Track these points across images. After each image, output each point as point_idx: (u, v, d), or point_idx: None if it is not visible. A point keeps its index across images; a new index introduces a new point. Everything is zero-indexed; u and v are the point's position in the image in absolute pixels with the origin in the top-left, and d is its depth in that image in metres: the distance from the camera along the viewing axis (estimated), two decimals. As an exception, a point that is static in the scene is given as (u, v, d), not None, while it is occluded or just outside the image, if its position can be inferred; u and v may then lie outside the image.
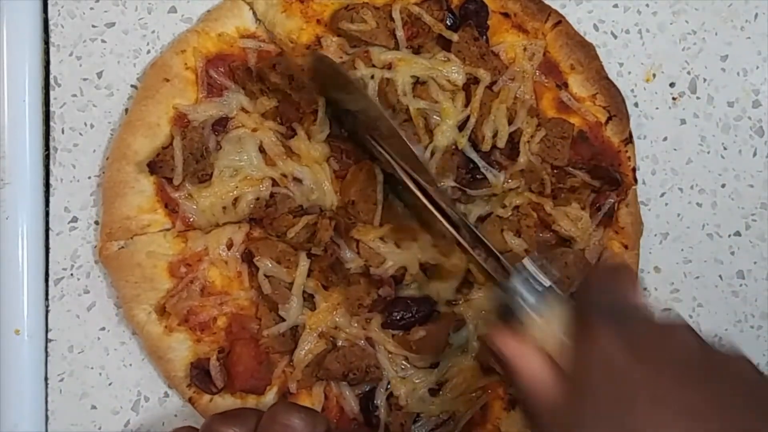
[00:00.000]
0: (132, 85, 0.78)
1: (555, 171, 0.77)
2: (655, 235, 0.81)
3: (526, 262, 0.60)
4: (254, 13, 0.77)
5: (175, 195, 0.73)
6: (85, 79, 0.78)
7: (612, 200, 0.77)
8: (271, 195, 0.73)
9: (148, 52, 0.78)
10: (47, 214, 0.77)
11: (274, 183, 0.73)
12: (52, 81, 0.78)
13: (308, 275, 0.73)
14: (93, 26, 0.78)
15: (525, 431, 0.77)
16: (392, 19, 0.75)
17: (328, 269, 0.73)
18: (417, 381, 0.74)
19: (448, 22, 0.76)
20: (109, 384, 0.76)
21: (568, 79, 0.78)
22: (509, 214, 0.75)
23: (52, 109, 0.78)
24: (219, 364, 0.73)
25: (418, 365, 0.74)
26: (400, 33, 0.75)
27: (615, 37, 0.82)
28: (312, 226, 0.74)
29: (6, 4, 0.76)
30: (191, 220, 0.74)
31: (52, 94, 0.78)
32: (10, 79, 0.76)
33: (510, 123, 0.75)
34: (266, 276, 0.73)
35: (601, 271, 0.61)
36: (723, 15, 0.82)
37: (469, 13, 0.76)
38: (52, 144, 0.77)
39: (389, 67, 0.74)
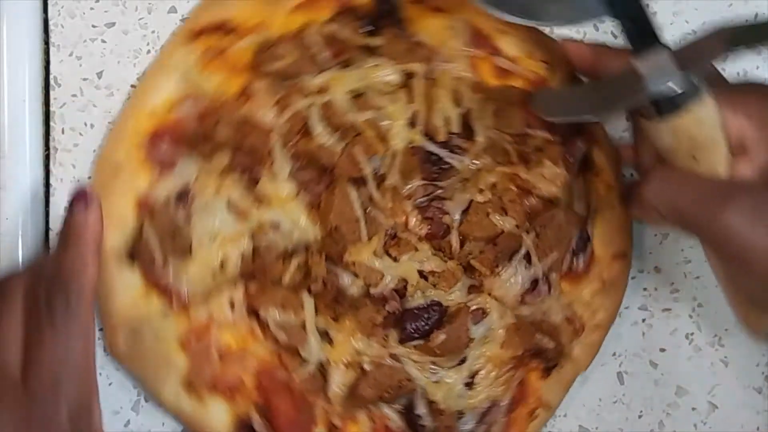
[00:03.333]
0: (132, 85, 0.78)
1: (515, 138, 0.76)
2: (655, 235, 0.81)
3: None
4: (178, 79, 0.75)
5: (162, 275, 0.72)
6: (85, 79, 0.78)
7: (582, 146, 0.76)
8: (254, 248, 0.73)
9: (148, 52, 0.78)
10: (47, 214, 0.77)
11: (254, 235, 0.73)
12: (52, 81, 0.78)
13: (316, 314, 0.73)
14: (93, 26, 0.78)
15: (564, 395, 0.77)
16: (311, 45, 0.74)
17: (333, 302, 0.73)
18: (450, 381, 0.73)
19: (366, 28, 0.75)
20: (109, 384, 0.76)
21: (499, 42, 0.76)
22: (489, 196, 0.75)
23: (52, 109, 0.78)
24: (263, 421, 0.72)
25: (447, 365, 0.74)
26: (323, 54, 0.74)
27: (615, 37, 0.82)
28: (304, 265, 0.73)
29: (6, 4, 0.76)
30: (186, 294, 0.73)
31: (52, 94, 0.78)
32: (10, 79, 0.76)
33: (458, 105, 0.75)
34: (277, 326, 0.72)
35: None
36: (723, 15, 0.83)
37: (383, 13, 0.75)
38: (52, 144, 0.77)
39: (324, 90, 0.73)
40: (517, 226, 0.75)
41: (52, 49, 0.78)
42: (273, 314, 0.72)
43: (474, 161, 0.75)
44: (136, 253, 0.72)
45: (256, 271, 0.73)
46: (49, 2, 0.78)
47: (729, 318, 0.81)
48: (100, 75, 0.78)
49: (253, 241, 0.73)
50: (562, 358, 0.76)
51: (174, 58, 0.74)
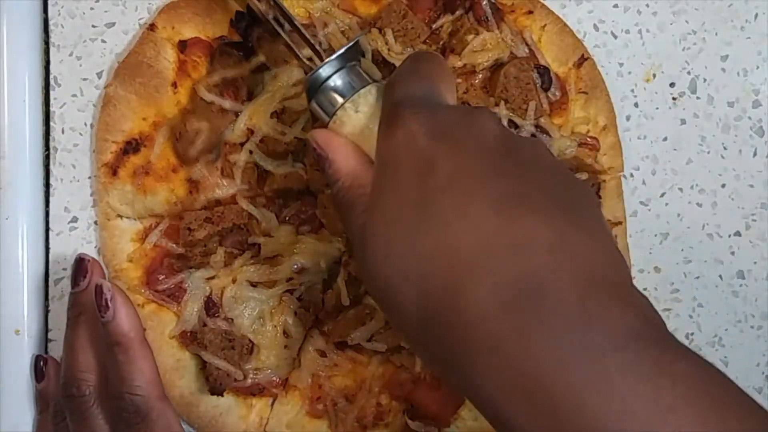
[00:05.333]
0: (132, 85, 0.78)
1: (428, 41, 0.76)
2: (655, 235, 0.81)
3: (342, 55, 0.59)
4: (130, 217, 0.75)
5: (246, 380, 0.73)
6: (85, 79, 0.78)
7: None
8: (300, 299, 0.74)
9: (148, 52, 0.78)
10: (47, 214, 0.77)
11: (292, 291, 0.73)
12: (52, 81, 0.78)
13: None
14: (93, 26, 0.78)
15: (622, 204, 0.77)
16: (210, 100, 0.74)
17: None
18: None
19: (241, 53, 0.75)
20: (109, 384, 0.76)
21: None
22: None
23: (52, 109, 0.78)
24: (418, 422, 0.73)
25: None
26: (227, 104, 0.74)
27: (615, 37, 0.82)
28: (350, 278, 0.73)
29: (6, 4, 0.76)
30: (277, 378, 0.74)
31: (52, 94, 0.78)
32: (10, 79, 0.76)
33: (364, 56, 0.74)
34: (368, 340, 0.73)
35: (410, 63, 0.58)
36: (723, 15, 0.83)
37: (246, 31, 0.75)
38: (52, 144, 0.77)
39: (251, 132, 0.73)
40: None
41: (52, 49, 0.78)
42: (357, 334, 0.72)
43: None
44: (214, 383, 0.72)
45: (318, 314, 0.74)
46: (49, 2, 0.78)
47: (729, 318, 0.81)
48: (100, 75, 0.78)
49: (294, 295, 0.74)
50: (599, 175, 0.77)
51: (113, 203, 0.74)
